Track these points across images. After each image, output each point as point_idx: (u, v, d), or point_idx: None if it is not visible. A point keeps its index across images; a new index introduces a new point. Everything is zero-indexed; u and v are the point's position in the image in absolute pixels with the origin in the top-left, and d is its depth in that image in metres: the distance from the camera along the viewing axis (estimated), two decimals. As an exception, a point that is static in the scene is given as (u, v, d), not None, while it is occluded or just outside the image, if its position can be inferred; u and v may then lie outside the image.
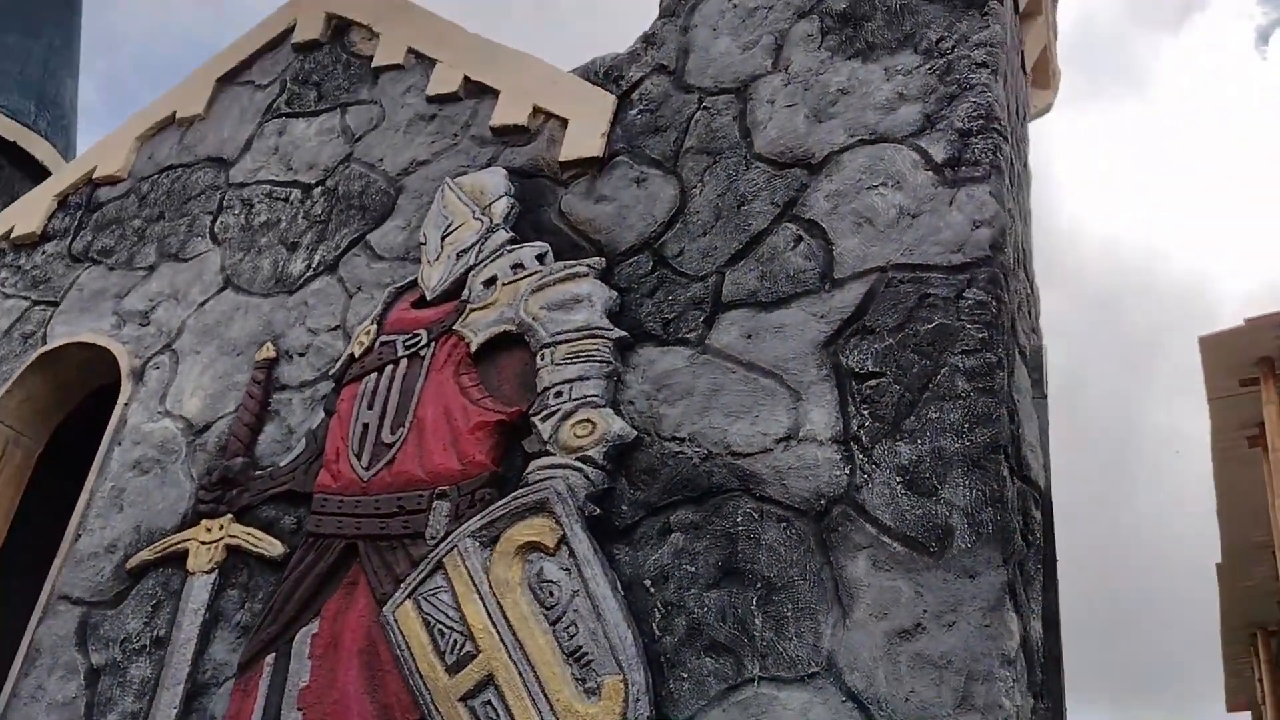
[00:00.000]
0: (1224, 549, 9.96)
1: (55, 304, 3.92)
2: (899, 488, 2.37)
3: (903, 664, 2.18)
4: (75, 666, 3.01)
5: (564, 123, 3.33)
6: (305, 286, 3.43)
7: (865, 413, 2.48)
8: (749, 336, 2.70)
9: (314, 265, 3.47)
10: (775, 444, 2.52)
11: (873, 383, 2.51)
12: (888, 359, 2.53)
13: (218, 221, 3.79)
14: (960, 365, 2.46)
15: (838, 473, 2.43)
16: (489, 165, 3.36)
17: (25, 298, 4.02)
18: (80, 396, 3.84)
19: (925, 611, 2.22)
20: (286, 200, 3.70)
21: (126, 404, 3.46)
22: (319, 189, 3.66)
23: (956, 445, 2.37)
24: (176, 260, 3.77)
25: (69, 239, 4.09)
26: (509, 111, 3.43)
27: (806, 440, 2.50)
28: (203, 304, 3.59)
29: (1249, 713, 13.96)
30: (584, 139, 3.25)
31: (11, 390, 3.71)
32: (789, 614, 2.31)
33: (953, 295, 2.56)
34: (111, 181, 4.14)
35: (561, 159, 3.24)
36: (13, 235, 4.18)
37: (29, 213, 4.20)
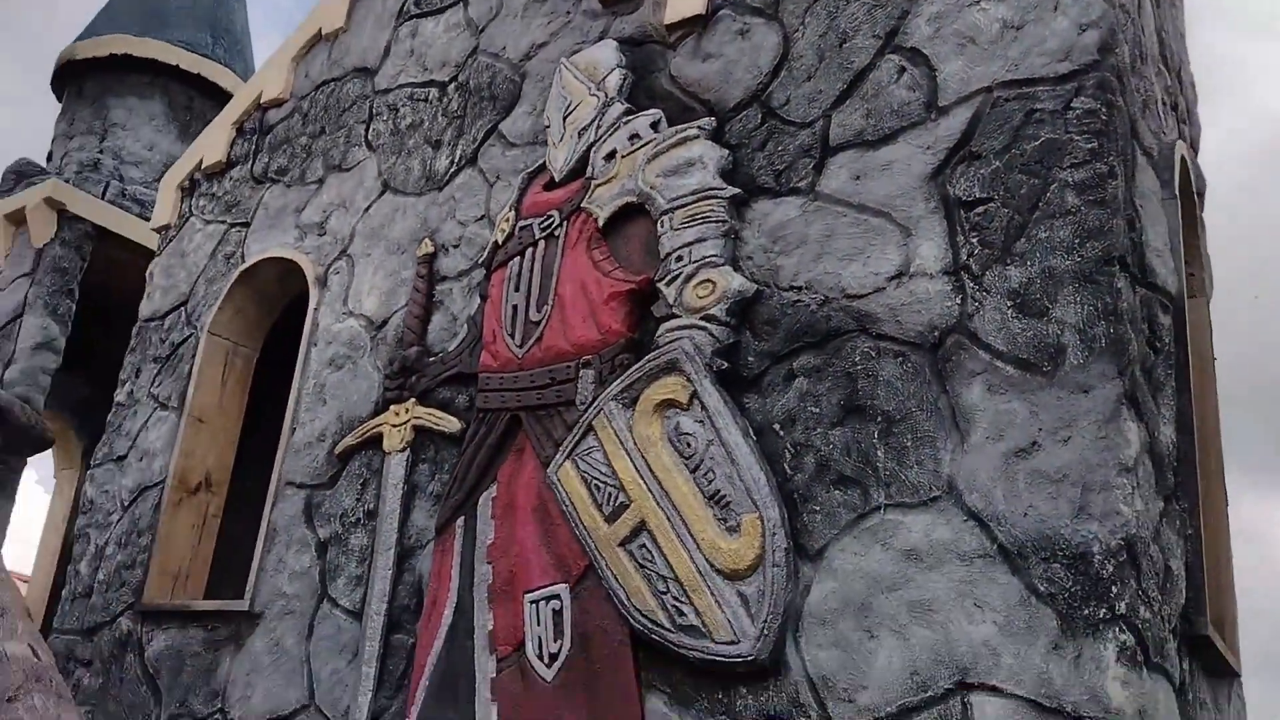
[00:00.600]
0: None
1: (247, 224, 4.34)
2: (1010, 312, 2.39)
3: (1020, 481, 2.26)
4: (307, 541, 3.47)
5: (667, -16, 3.35)
6: (451, 182, 3.66)
7: (974, 240, 2.49)
8: (857, 178, 2.73)
9: (456, 160, 3.69)
10: (887, 282, 2.58)
11: (981, 209, 2.51)
12: (995, 183, 2.51)
13: (370, 129, 4.06)
14: (1069, 180, 2.42)
15: (949, 303, 2.47)
16: (601, 39, 3.44)
17: (222, 221, 4.46)
18: (281, 305, 4.27)
19: (1040, 430, 2.28)
20: (426, 100, 3.91)
21: (316, 309, 3.84)
22: (452, 85, 3.84)
23: (1067, 263, 2.36)
24: (340, 171, 4.08)
25: (250, 163, 4.48)
26: (614, -21, 3.48)
27: (917, 275, 2.54)
28: (367, 209, 3.89)
29: None
30: (687, -2, 3.27)
31: (223, 306, 4.17)
32: (909, 444, 2.42)
33: (1060, 107, 2.50)
34: (277, 104, 4.48)
35: (667, 22, 3.28)
36: (204, 166, 4.61)
37: (213, 143, 4.61)
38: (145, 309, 4.56)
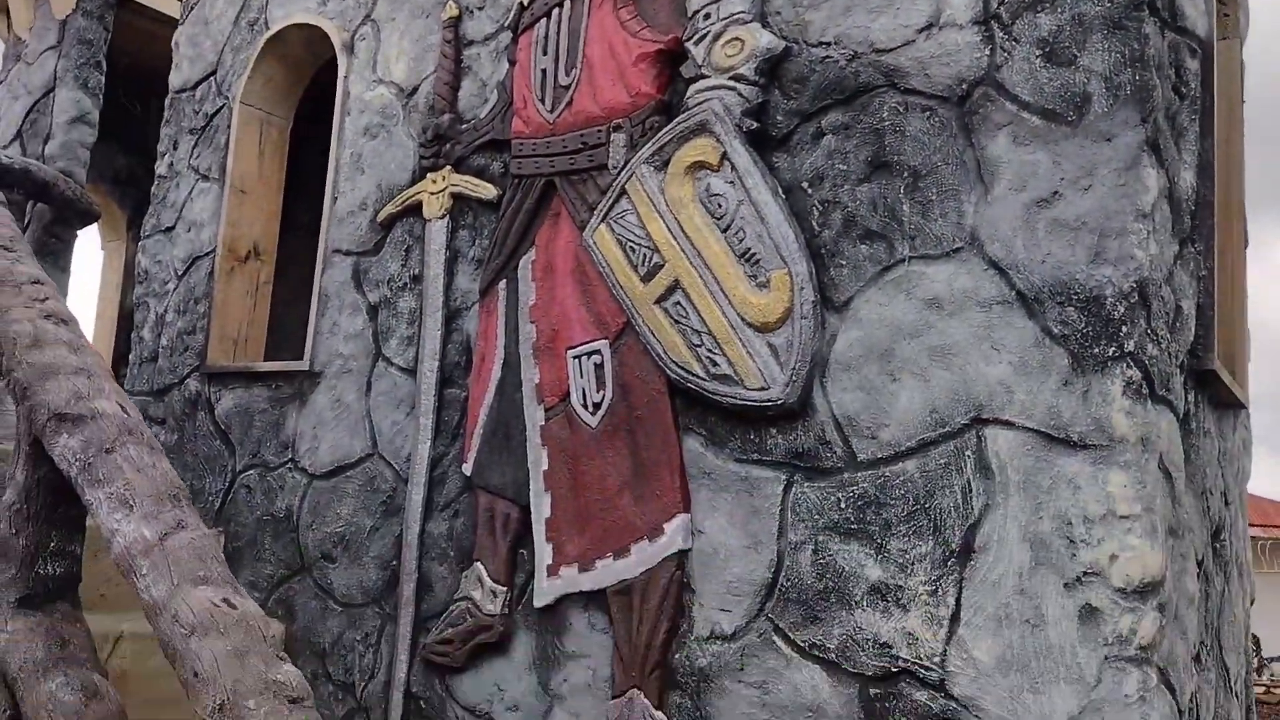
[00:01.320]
0: None
1: (268, -11, 4.28)
2: (1038, 61, 2.40)
3: (1040, 230, 2.35)
4: (358, 305, 3.65)
5: None
6: (472, -63, 3.58)
7: (1004, -12, 2.47)
8: (887, -77, 2.67)
9: (475, -85, 3.59)
10: (917, 34, 2.58)
11: (1013, -46, 2.47)
12: (1027, -74, 2.46)
13: (384, -117, 3.92)
14: (1103, -79, 2.37)
15: (978, 54, 2.48)
16: None
17: (242, -12, 4.39)
18: (311, 71, 4.28)
19: (1062, 179, 2.34)
20: None
21: (345, 76, 3.85)
22: None
23: (1097, 9, 2.35)
24: (358, -71, 3.98)
25: (264, -76, 4.36)
26: None
27: (947, 26, 2.54)
28: (388, -29, 3.83)
29: None
30: None
31: (252, 76, 4.19)
32: (934, 197, 2.50)
33: None
34: None
35: None
36: (219, -73, 4.49)
37: (224, -96, 4.47)
38: (175, 80, 4.58)
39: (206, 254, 4.20)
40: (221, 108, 4.32)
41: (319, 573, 3.53)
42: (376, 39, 3.81)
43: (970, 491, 2.35)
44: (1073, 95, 2.35)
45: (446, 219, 3.43)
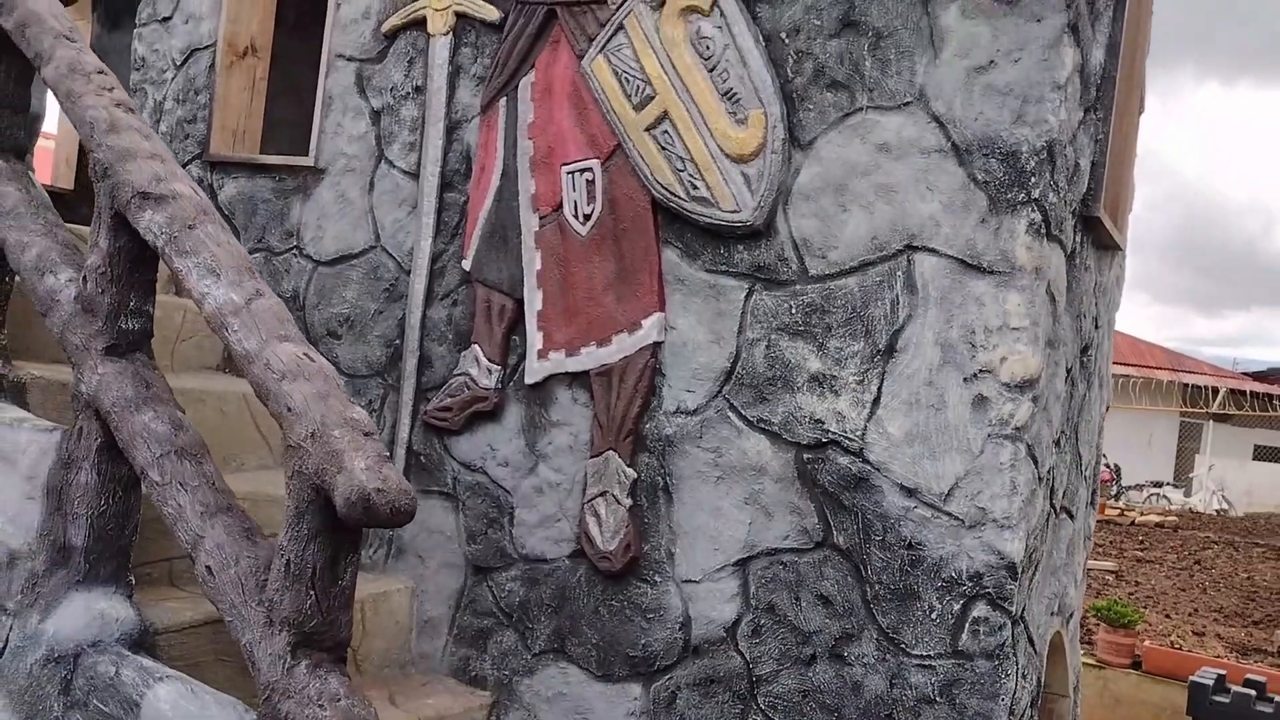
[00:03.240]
0: None
1: None
2: (989, -53, 2.85)
3: (976, 92, 2.85)
4: (361, 110, 4.00)
5: None
6: None
7: (968, -122, 2.88)
8: None
9: None
10: (889, -90, 2.99)
11: None
12: None
13: None
14: None
15: (940, -65, 2.91)
16: None
17: None
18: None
19: (998, 50, 2.83)
20: None
21: (350, -112, 4.07)
22: None
23: (1042, -94, 2.79)
24: None
25: None
26: None
27: (916, -94, 2.95)
28: None
29: None
30: None
31: (252, -123, 4.36)
32: (892, 57, 2.97)
33: None
34: None
35: None
36: None
37: None
38: None
39: (206, 47, 4.46)
40: (218, -97, 4.49)
41: (324, 348, 4.01)
42: None
43: (898, 304, 2.93)
44: (1014, -20, 2.82)
45: (450, 35, 3.78)
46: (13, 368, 3.34)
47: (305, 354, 2.55)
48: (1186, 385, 24.80)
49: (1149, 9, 3.48)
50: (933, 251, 2.89)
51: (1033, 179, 2.78)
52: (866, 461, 2.96)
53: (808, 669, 3.02)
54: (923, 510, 2.87)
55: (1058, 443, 3.16)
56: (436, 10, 3.80)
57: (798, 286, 3.08)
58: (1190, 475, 24.51)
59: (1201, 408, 24.62)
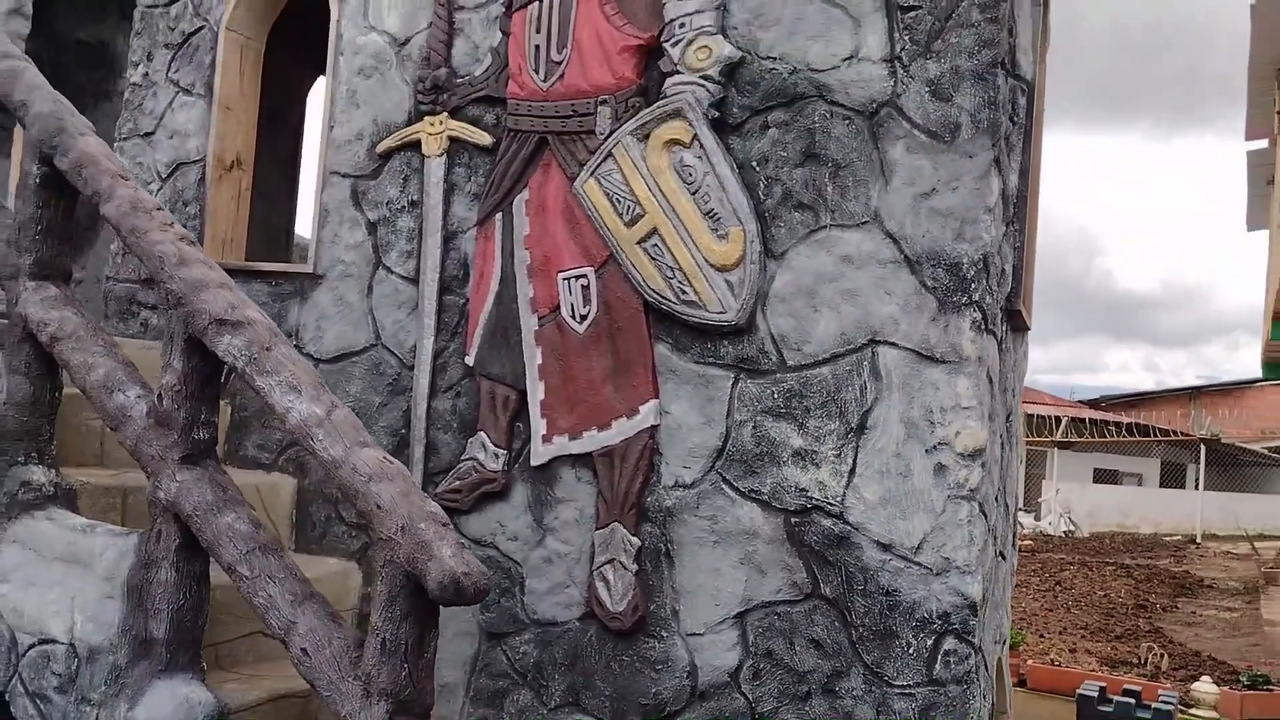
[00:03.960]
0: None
1: (246, -75, 4.78)
2: (926, 95, 3.48)
3: (922, 214, 3.47)
4: (358, 221, 4.40)
5: None
6: (462, -83, 4.28)
7: (906, 38, 3.52)
8: (822, -27, 3.65)
9: (465, -104, 4.28)
10: (841, 62, 3.60)
11: (912, 14, 3.52)
12: (924, -5, 3.50)
13: None
14: (975, 1, 3.44)
15: (885, 84, 3.54)
16: None
17: (216, -82, 4.86)
18: (285, 3, 4.85)
19: (939, 181, 3.45)
20: None
21: (338, 20, 4.49)
22: None
23: (969, 64, 3.44)
24: (342, -114, 4.56)
25: None
26: None
27: (864, 59, 3.57)
28: (377, -70, 4.46)
29: (1265, 140, 15.47)
30: None
31: (236, 4, 4.73)
32: (850, 184, 3.57)
33: (975, -60, 3.46)
34: None
35: None
36: None
37: None
38: (144, -5, 5.02)
39: (194, 162, 4.79)
40: (200, 29, 4.84)
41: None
42: (367, -10, 4.46)
43: (866, 389, 3.51)
44: (949, 123, 3.45)
45: (444, 156, 4.23)
46: (62, 475, 3.61)
47: (384, 458, 2.96)
48: (1031, 415, 26.58)
49: (1041, 132, 4.19)
50: (893, 345, 3.48)
51: (973, 285, 3.40)
52: (847, 523, 3.50)
53: (805, 704, 3.53)
54: (897, 562, 3.43)
55: (996, 498, 3.78)
56: (431, 134, 4.25)
57: (778, 375, 3.63)
58: (1039, 500, 26.09)
59: (1046, 436, 26.34)
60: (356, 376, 4.35)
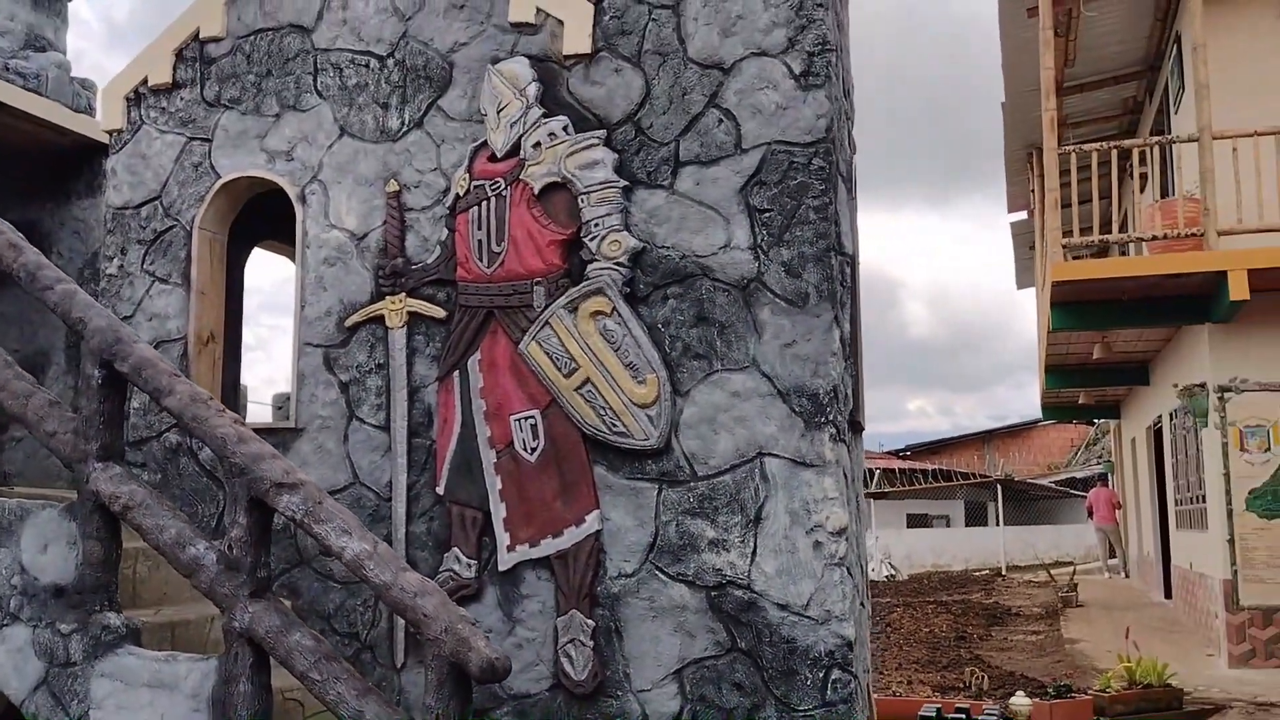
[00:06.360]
0: (1007, 93, 13.32)
1: (208, 140, 5.73)
2: (783, 273, 4.79)
3: (788, 359, 4.76)
4: (331, 383, 5.38)
5: (561, 22, 5.19)
6: (404, 138, 5.39)
7: (764, 232, 4.83)
8: (698, 183, 4.94)
9: (405, 122, 5.40)
10: (719, 250, 4.88)
11: (766, 214, 4.84)
12: (774, 200, 4.83)
13: (318, 80, 5.57)
14: (812, 205, 4.79)
15: (750, 265, 4.83)
16: (513, 51, 5.23)
17: (180, 134, 5.79)
18: (244, 201, 5.81)
19: (797, 335, 4.75)
20: (367, 67, 5.49)
21: (303, 221, 5.49)
22: (390, 60, 5.45)
23: (811, 249, 4.77)
24: (296, 110, 5.59)
25: (199, 88, 5.77)
26: (520, 10, 5.23)
27: (734, 248, 4.86)
28: (330, 146, 5.50)
29: (1024, 212, 18.03)
30: (577, 37, 5.14)
31: (207, 208, 5.66)
32: (733, 338, 4.83)
33: (806, 161, 4.81)
34: (215, 40, 5.75)
35: (564, 52, 5.16)
36: (150, 83, 5.82)
37: (156, 64, 5.79)
38: (115, 199, 5.87)
39: (175, 339, 5.66)
40: (171, 227, 5.74)
41: (319, 564, 5.27)
42: (325, 196, 5.50)
43: (758, 490, 4.74)
44: (801, 293, 4.77)
45: (405, 328, 5.28)
46: (125, 618, 4.44)
47: (423, 579, 3.99)
48: (854, 473, 28.86)
49: (859, 289, 5.60)
50: (776, 455, 4.73)
51: (828, 409, 4.70)
52: (753, 591, 4.70)
53: (734, 731, 4.68)
54: (792, 618, 4.65)
55: (856, 560, 5.06)
56: (393, 310, 5.30)
57: (691, 484, 4.82)
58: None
59: (864, 488, 28.60)
60: (340, 511, 5.28)
